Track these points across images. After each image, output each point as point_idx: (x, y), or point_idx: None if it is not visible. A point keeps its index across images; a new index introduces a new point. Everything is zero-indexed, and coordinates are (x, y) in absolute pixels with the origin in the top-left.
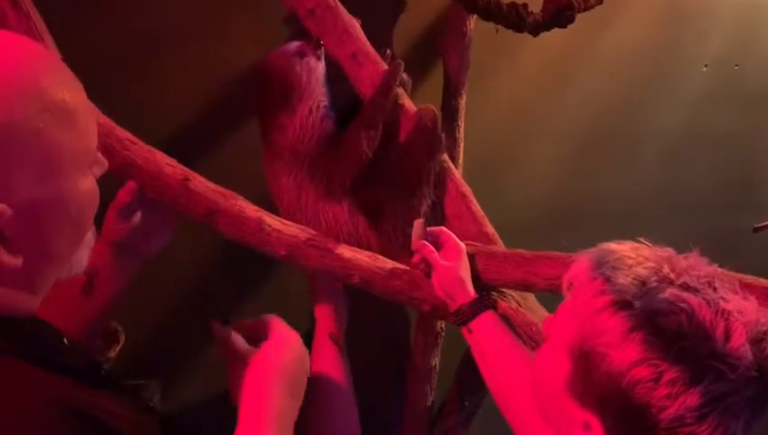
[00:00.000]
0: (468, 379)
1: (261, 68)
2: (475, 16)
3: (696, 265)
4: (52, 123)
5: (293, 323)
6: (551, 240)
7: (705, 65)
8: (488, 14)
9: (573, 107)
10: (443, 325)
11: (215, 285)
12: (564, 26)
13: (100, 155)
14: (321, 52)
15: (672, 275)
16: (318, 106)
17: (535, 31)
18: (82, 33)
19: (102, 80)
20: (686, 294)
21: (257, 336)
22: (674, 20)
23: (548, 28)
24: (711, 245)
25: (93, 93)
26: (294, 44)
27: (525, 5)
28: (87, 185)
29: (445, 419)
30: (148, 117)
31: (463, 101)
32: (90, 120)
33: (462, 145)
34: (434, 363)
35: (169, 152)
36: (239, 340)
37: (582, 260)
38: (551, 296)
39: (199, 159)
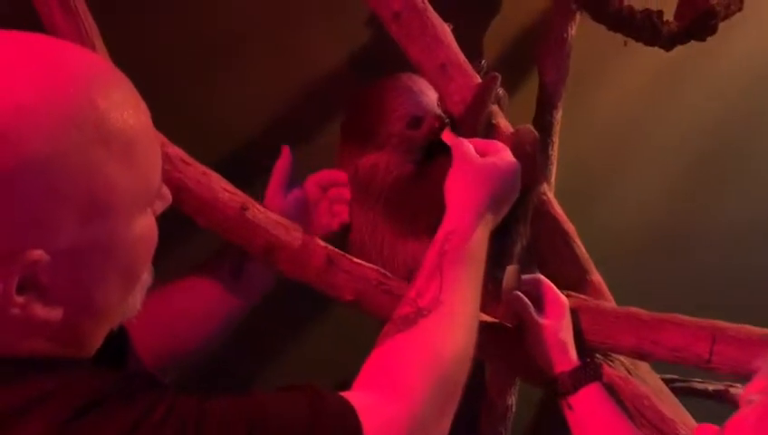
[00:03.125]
0: (547, 427)
1: (369, 95)
2: (578, 21)
3: None
4: (107, 156)
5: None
6: (653, 272)
7: None
8: (619, 24)
9: (682, 125)
10: None
11: (270, 312)
12: (704, 38)
13: (164, 188)
14: (440, 134)
15: None
16: (393, 164)
17: (670, 44)
18: (137, 35)
19: (155, 86)
20: None
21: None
22: None
23: (684, 40)
24: None
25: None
26: (420, 104)
27: (660, 13)
28: (143, 225)
29: None
30: (205, 130)
31: (558, 115)
32: (153, 149)
33: (555, 164)
34: (510, 403)
35: (227, 171)
36: (470, 147)
37: None
38: None
39: (260, 180)
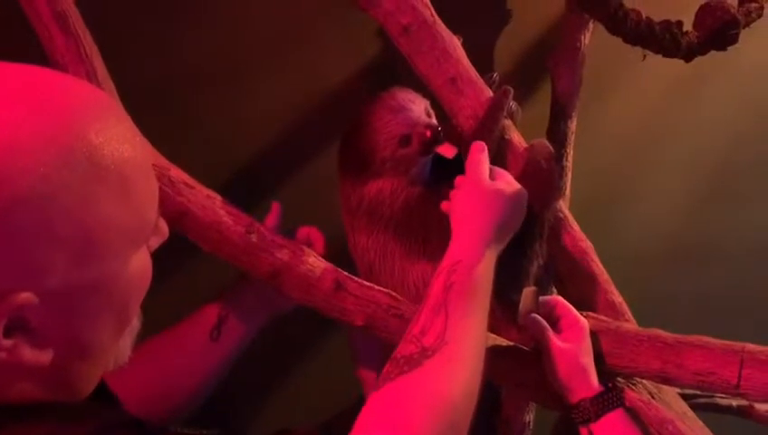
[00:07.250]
0: None
1: (353, 125)
2: (591, 29)
3: None
4: (102, 193)
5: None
6: (672, 289)
7: None
8: (637, 37)
9: (701, 136)
10: None
11: (279, 334)
12: (724, 48)
13: (161, 222)
14: (434, 149)
15: None
16: (398, 187)
17: (690, 56)
18: (138, 55)
19: (156, 107)
20: None
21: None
22: None
23: (704, 51)
24: None
25: (147, 119)
26: (404, 121)
27: (680, 23)
28: (138, 263)
29: None
30: (209, 150)
31: (573, 125)
32: (150, 184)
33: (570, 175)
34: (528, 420)
35: (232, 193)
36: (486, 169)
37: None
38: None
39: (267, 202)
